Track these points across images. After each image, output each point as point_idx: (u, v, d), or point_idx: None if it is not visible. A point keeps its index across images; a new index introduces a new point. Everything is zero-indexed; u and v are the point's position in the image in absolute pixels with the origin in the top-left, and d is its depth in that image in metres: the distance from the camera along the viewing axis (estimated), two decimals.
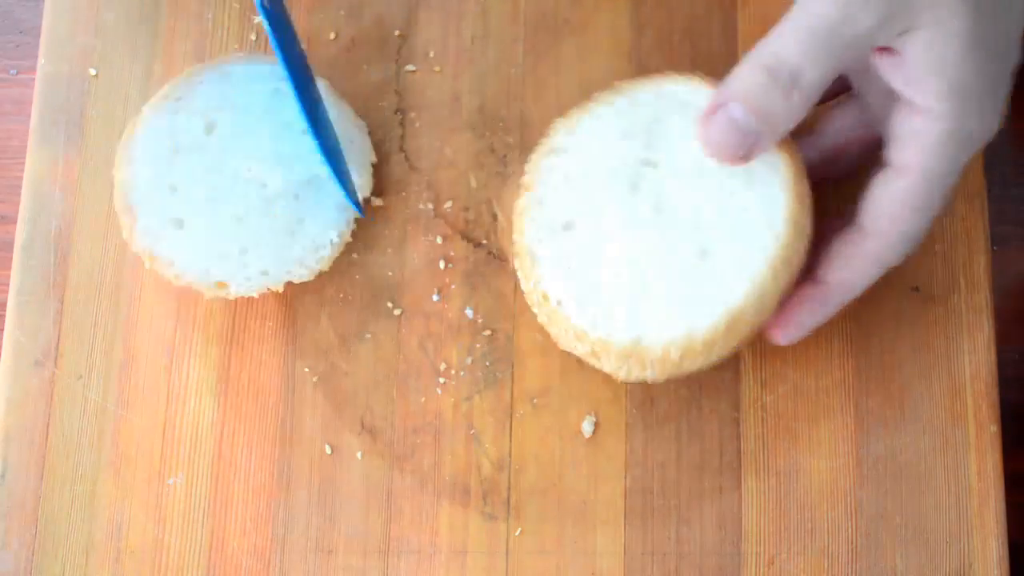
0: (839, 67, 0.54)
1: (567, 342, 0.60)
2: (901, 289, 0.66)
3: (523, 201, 0.61)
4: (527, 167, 0.62)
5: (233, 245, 0.63)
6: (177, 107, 0.65)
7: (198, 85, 0.65)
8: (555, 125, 0.62)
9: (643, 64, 0.68)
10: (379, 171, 0.67)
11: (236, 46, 0.69)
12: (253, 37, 0.69)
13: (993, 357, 0.65)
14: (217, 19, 0.70)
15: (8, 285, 0.67)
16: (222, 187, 0.64)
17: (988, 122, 0.56)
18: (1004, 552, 0.63)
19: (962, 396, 0.64)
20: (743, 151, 0.56)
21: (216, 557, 0.63)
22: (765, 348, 0.65)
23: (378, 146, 0.68)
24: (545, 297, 0.59)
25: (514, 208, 0.62)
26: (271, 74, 0.65)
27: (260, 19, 0.55)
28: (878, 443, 0.64)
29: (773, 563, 0.63)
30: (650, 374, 0.59)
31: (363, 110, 0.68)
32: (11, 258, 0.68)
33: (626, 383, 0.65)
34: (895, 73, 0.55)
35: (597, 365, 0.60)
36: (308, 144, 0.64)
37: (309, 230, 0.64)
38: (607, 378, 0.65)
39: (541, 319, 0.61)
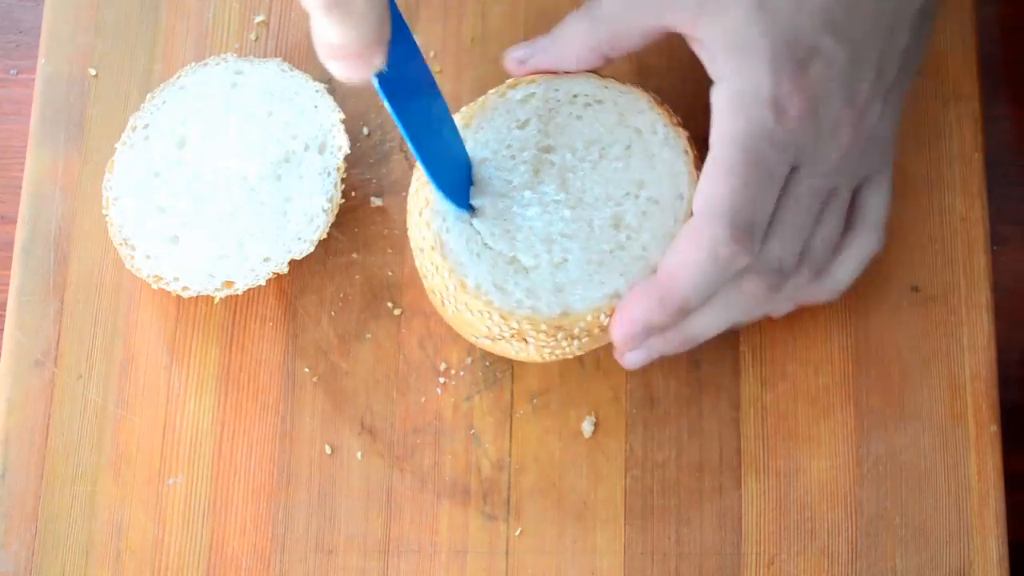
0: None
1: (482, 331, 0.60)
2: (901, 288, 0.66)
3: (425, 193, 0.60)
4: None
5: (231, 243, 0.64)
6: (147, 134, 0.67)
7: (160, 107, 0.67)
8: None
9: (643, 64, 0.68)
10: (379, 171, 0.68)
11: (236, 45, 0.69)
12: (253, 37, 0.69)
13: (993, 357, 0.65)
14: (217, 19, 0.70)
15: (8, 285, 0.67)
16: (206, 192, 0.65)
17: (786, 81, 0.56)
18: (1004, 552, 0.63)
19: (962, 396, 0.64)
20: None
21: (216, 557, 0.63)
22: (765, 348, 0.65)
23: (378, 146, 0.68)
24: (462, 285, 0.59)
25: (412, 202, 0.61)
26: (223, 72, 0.67)
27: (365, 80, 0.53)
28: (878, 443, 0.64)
29: (773, 563, 0.63)
30: (577, 346, 0.59)
31: (363, 110, 0.68)
32: (11, 258, 0.68)
33: (626, 386, 0.65)
34: (703, 58, 0.58)
35: (516, 352, 0.60)
36: (274, 125, 0.66)
37: (299, 205, 0.65)
38: (607, 378, 0.65)
39: (449, 311, 0.60)
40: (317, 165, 0.65)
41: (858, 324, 0.65)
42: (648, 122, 0.61)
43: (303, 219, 0.64)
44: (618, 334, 0.59)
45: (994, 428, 0.64)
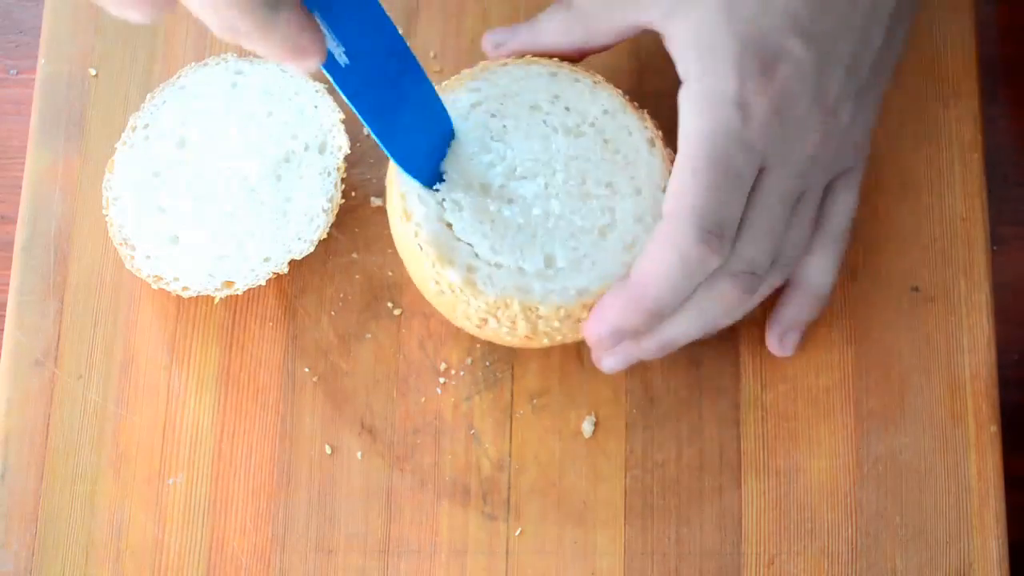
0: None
1: (458, 314, 0.60)
2: (901, 289, 0.66)
3: (405, 184, 0.60)
4: None
5: (230, 243, 0.64)
6: (147, 134, 0.67)
7: (160, 107, 0.67)
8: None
9: (643, 64, 0.68)
10: (379, 171, 0.68)
11: (236, 46, 0.69)
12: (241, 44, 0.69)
13: (993, 357, 0.65)
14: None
15: (8, 285, 0.67)
16: (206, 193, 0.65)
17: (752, 82, 0.56)
18: (1004, 552, 0.63)
19: (962, 396, 0.64)
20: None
21: (216, 557, 0.63)
22: (765, 348, 0.65)
23: (378, 146, 0.68)
24: (439, 260, 0.59)
25: (395, 191, 0.61)
26: (223, 72, 0.67)
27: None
28: (878, 443, 0.64)
29: (773, 563, 0.63)
30: (547, 340, 0.60)
31: None
32: (11, 258, 0.67)
33: (626, 386, 0.65)
34: (674, 57, 0.58)
35: (504, 335, 0.60)
36: (274, 125, 0.66)
37: (299, 205, 0.65)
38: (607, 378, 0.65)
39: (438, 295, 0.60)
40: (317, 165, 0.65)
41: (858, 324, 0.65)
42: (615, 105, 0.62)
43: (303, 219, 0.64)
44: (591, 336, 0.59)
45: (994, 428, 0.64)
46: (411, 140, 0.59)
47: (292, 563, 0.63)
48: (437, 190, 0.60)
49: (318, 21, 0.52)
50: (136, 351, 0.66)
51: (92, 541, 0.64)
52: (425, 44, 0.69)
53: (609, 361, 0.62)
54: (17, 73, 0.77)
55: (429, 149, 0.60)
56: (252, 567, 0.63)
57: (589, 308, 0.59)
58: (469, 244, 0.59)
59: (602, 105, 0.62)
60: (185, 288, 0.64)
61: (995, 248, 0.69)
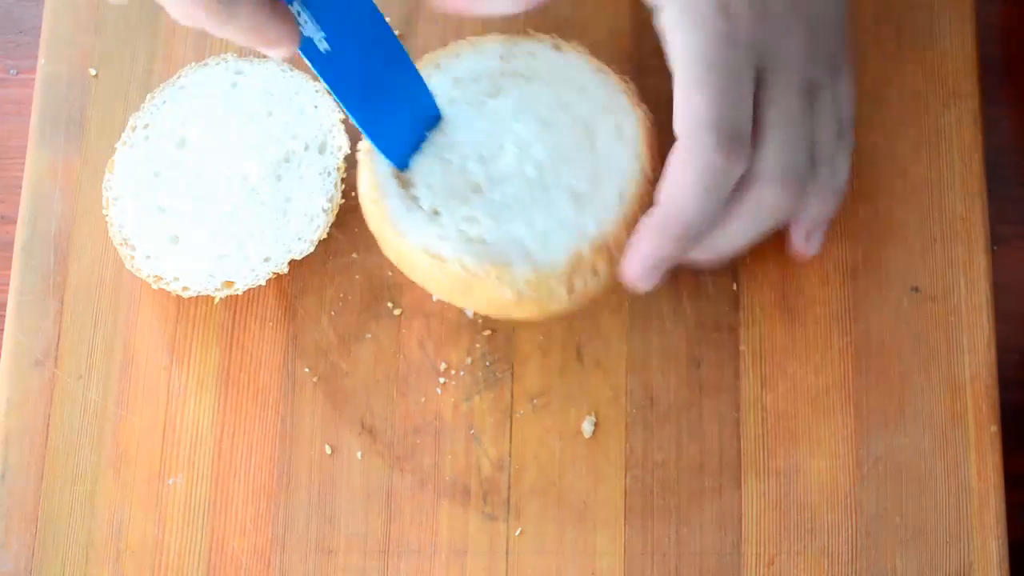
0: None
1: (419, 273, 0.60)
2: (901, 289, 0.66)
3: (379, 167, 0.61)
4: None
5: (230, 243, 0.64)
6: (147, 134, 0.67)
7: (160, 107, 0.67)
8: None
9: (643, 64, 0.68)
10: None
11: (236, 46, 0.69)
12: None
13: (993, 357, 0.65)
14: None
15: (8, 285, 0.67)
16: (206, 193, 0.65)
17: (747, 15, 0.57)
18: (1004, 552, 0.63)
19: (962, 396, 0.64)
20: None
21: (216, 557, 0.63)
22: (765, 348, 0.65)
23: None
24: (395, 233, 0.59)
25: (377, 172, 0.61)
26: (223, 72, 0.67)
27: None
28: (878, 443, 0.64)
29: (773, 563, 0.63)
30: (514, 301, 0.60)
31: None
32: (11, 258, 0.68)
33: (626, 386, 0.65)
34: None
35: (495, 294, 0.60)
36: (274, 125, 0.66)
37: (299, 205, 0.65)
38: (607, 378, 0.65)
39: (426, 271, 0.60)
40: (317, 165, 0.65)
41: (858, 324, 0.65)
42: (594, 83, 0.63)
43: (303, 219, 0.64)
44: (632, 274, 0.59)
45: (994, 428, 0.64)
46: (393, 125, 0.60)
47: (292, 563, 0.63)
48: (406, 170, 0.61)
49: (290, 9, 0.53)
50: (136, 351, 0.66)
51: (92, 541, 0.64)
52: (425, 44, 0.69)
53: (646, 281, 0.60)
54: (17, 73, 0.77)
55: (411, 134, 0.61)
56: (252, 567, 0.63)
57: (575, 269, 0.59)
58: (438, 216, 0.60)
59: (564, 63, 0.63)
60: (185, 288, 0.64)
61: (995, 248, 0.69)
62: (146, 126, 0.67)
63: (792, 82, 0.59)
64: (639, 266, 0.59)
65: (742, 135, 0.57)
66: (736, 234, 0.60)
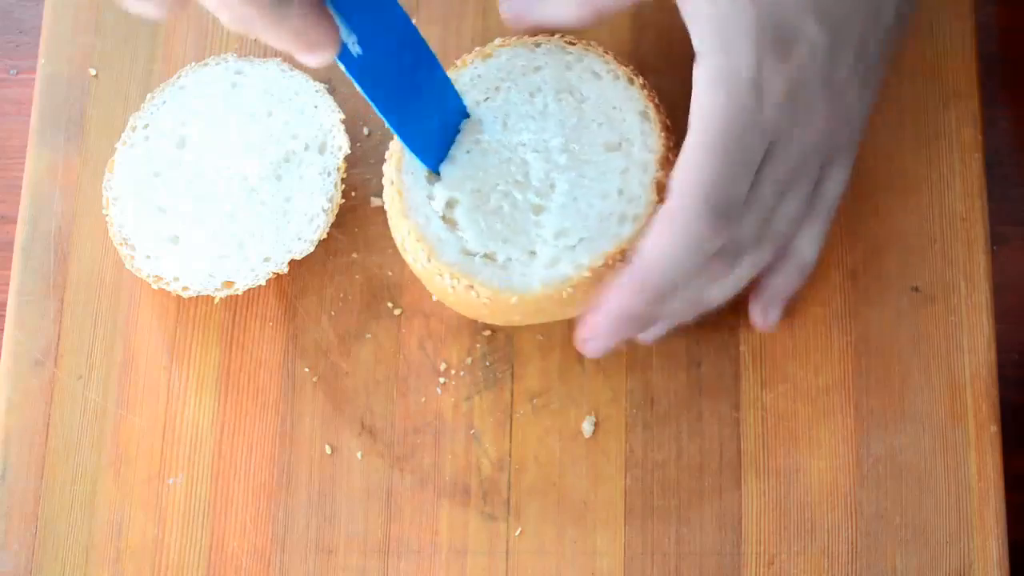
0: None
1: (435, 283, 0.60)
2: (901, 289, 0.66)
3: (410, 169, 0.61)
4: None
5: (231, 243, 0.64)
6: (147, 134, 0.67)
7: (160, 107, 0.67)
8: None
9: (643, 64, 0.68)
10: (379, 171, 0.67)
11: (236, 46, 0.69)
12: (253, 37, 0.69)
13: (993, 357, 0.65)
14: (218, 19, 0.70)
15: (8, 285, 0.67)
16: (206, 193, 0.65)
17: (769, 63, 0.56)
18: (1004, 552, 0.63)
19: (962, 396, 0.64)
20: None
21: (216, 557, 0.63)
22: (765, 348, 0.65)
23: (378, 146, 0.68)
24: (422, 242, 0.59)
25: (403, 171, 0.61)
26: (223, 72, 0.67)
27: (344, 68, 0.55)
28: (878, 443, 0.64)
29: (773, 563, 0.63)
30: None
31: (363, 110, 0.68)
32: (11, 258, 0.68)
33: (626, 386, 0.65)
34: (691, 31, 0.57)
35: (499, 315, 0.60)
36: (274, 125, 0.66)
37: (299, 205, 0.65)
38: (607, 378, 0.65)
39: (445, 293, 0.60)
40: (317, 165, 0.65)
41: (858, 324, 0.65)
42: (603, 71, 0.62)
43: (303, 219, 0.64)
44: (601, 326, 0.59)
45: (994, 428, 0.64)
46: (424, 127, 0.60)
47: (292, 563, 0.63)
48: (438, 174, 0.60)
49: (331, 12, 0.52)
50: (136, 351, 0.66)
51: (92, 541, 0.64)
52: None
53: (598, 344, 0.60)
54: (17, 73, 0.77)
55: (442, 135, 0.61)
56: (252, 567, 0.63)
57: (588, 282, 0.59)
58: (462, 235, 0.59)
59: (590, 71, 0.62)
60: (185, 288, 0.64)
61: (995, 248, 0.69)
62: (146, 126, 0.67)
63: (787, 169, 0.58)
64: (605, 318, 0.58)
65: (732, 212, 0.56)
66: (676, 302, 0.59)
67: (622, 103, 0.61)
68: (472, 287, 0.58)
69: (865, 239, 0.66)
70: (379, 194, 0.67)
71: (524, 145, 0.61)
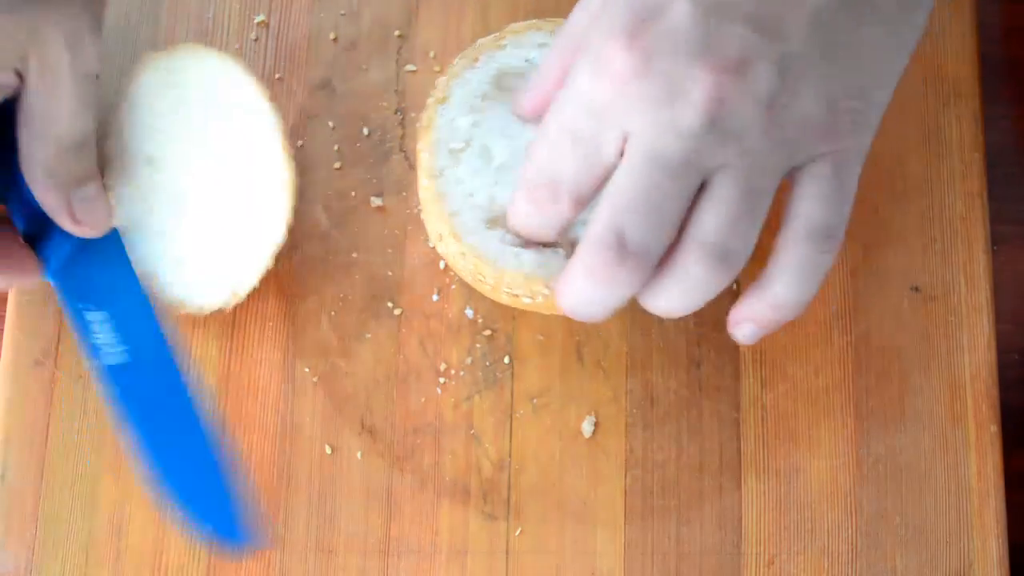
0: None
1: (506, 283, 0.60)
2: (901, 288, 0.66)
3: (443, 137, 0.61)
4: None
5: (221, 253, 0.63)
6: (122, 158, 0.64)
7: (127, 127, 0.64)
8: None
9: None
10: (379, 171, 0.68)
11: (236, 46, 0.69)
12: (253, 37, 0.69)
13: (993, 357, 0.65)
14: (217, 19, 0.70)
15: None
16: (183, 208, 0.63)
17: (617, 38, 0.51)
18: (1004, 552, 0.63)
19: (962, 396, 0.64)
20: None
21: (216, 557, 0.63)
22: (765, 348, 0.65)
23: (378, 146, 0.68)
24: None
25: (435, 148, 0.61)
26: (161, 82, 0.64)
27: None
28: (878, 443, 0.64)
29: (773, 563, 0.63)
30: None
31: (363, 110, 0.68)
32: None
33: (626, 386, 0.65)
34: None
35: (529, 297, 0.60)
36: (214, 129, 0.63)
37: (262, 193, 0.63)
38: (607, 378, 0.65)
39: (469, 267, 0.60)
40: (264, 152, 0.63)
41: (858, 324, 0.65)
42: None
43: (270, 205, 0.63)
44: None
45: (994, 428, 0.64)
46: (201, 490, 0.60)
47: (292, 563, 0.63)
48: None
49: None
50: None
51: (92, 541, 0.64)
52: (425, 44, 0.69)
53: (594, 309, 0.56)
54: None
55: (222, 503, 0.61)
56: (252, 567, 0.63)
57: None
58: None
59: None
60: (201, 308, 0.63)
61: (995, 248, 0.69)
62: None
63: (669, 158, 0.52)
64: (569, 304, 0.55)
65: (558, 191, 0.54)
66: (672, 296, 0.55)
67: None
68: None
69: (865, 239, 0.66)
70: (379, 194, 0.67)
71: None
